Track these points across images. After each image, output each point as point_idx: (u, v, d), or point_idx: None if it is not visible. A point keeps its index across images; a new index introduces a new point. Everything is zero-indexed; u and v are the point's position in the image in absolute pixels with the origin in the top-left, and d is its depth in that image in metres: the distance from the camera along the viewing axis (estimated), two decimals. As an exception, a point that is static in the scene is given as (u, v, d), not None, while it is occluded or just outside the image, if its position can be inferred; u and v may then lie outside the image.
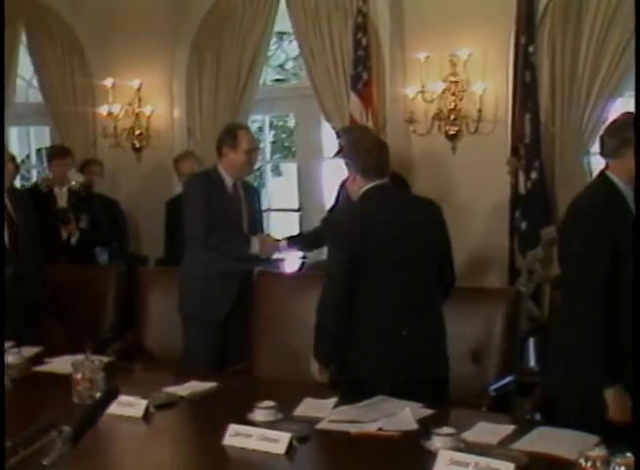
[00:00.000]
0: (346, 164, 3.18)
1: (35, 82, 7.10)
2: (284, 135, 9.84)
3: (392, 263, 3.00)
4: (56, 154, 5.79)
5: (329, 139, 5.97)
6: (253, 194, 4.40)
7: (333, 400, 2.81)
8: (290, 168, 7.80)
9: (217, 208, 4.14)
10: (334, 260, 3.07)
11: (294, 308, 3.82)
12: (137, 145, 6.45)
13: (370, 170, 3.07)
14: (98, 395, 2.67)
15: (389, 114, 5.51)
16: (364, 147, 3.15)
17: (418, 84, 5.36)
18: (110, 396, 2.04)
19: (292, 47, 6.76)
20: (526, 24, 4.89)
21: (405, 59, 5.44)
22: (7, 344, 3.62)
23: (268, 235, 4.38)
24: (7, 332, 3.63)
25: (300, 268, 5.29)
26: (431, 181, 5.39)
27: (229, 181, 4.21)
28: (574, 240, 2.77)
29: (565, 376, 2.79)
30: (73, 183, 5.56)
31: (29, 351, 3.59)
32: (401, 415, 2.62)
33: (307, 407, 2.77)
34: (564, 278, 2.90)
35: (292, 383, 3.39)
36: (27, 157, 7.46)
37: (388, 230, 3.02)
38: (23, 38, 6.91)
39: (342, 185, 4.28)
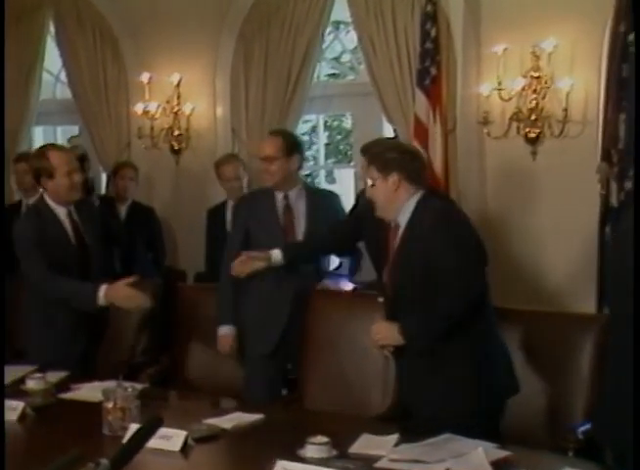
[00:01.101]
0: (388, 170, 3.30)
1: (64, 77, 7.25)
2: (339, 137, 9.87)
3: None
4: None
5: (391, 141, 5.97)
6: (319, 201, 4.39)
7: (394, 437, 2.82)
8: (345, 175, 7.81)
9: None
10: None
11: (349, 333, 3.86)
12: (176, 147, 6.54)
13: (420, 176, 3.34)
14: (131, 426, 2.72)
15: (460, 114, 5.51)
16: (409, 152, 3.37)
17: (494, 80, 5.34)
18: (152, 427, 2.08)
19: (349, 38, 6.78)
20: (628, 9, 4.73)
21: (480, 52, 5.43)
22: (29, 368, 3.72)
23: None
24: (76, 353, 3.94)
25: (355, 289, 5.30)
26: (507, 191, 5.36)
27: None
28: None
29: None
30: None
31: (54, 375, 3.67)
32: (472, 456, 2.60)
33: (365, 444, 2.78)
34: None
35: (346, 416, 3.42)
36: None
37: None
38: (51, 28, 7.07)
39: (361, 194, 4.38)
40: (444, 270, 3.15)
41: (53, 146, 4.36)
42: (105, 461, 1.73)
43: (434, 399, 3.21)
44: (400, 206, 3.31)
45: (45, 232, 4.02)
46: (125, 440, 2.13)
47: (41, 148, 4.29)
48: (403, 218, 3.31)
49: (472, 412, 3.14)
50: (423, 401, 3.25)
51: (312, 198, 4.36)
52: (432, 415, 3.14)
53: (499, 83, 5.32)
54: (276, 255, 3.98)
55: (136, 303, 3.90)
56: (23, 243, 4.00)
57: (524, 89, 5.26)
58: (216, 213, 5.82)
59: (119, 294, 3.87)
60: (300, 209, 4.32)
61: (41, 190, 4.16)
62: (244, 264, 4.01)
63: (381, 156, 3.36)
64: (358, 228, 3.69)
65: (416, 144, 5.16)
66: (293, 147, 4.31)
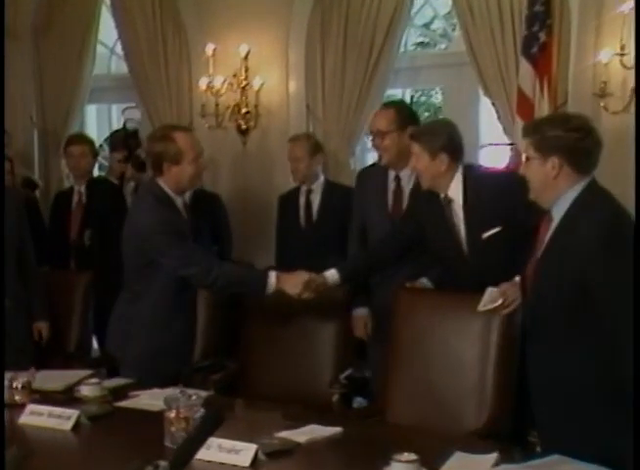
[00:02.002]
0: (547, 151, 3.17)
1: (119, 50, 7.35)
2: (427, 114, 9.83)
3: None
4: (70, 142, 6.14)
5: (488, 119, 5.92)
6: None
7: (492, 457, 2.80)
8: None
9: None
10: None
11: (439, 336, 3.84)
12: (243, 126, 6.57)
13: (588, 162, 3.17)
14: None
15: (573, 85, 5.37)
16: (580, 129, 3.17)
17: (615, 45, 5.18)
18: (211, 423, 2.10)
19: (441, 2, 6.72)
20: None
21: (601, 13, 5.28)
22: (84, 372, 3.81)
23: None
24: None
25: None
26: (624, 173, 5.21)
27: None
28: None
29: None
30: None
31: (112, 382, 3.76)
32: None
33: (459, 463, 2.77)
34: None
35: (436, 431, 3.40)
36: (106, 141, 7.72)
37: None
38: (106, -3, 7.18)
39: (412, 193, 4.52)
40: (603, 300, 3.04)
41: (175, 127, 4.43)
42: (164, 463, 1.76)
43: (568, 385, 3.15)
44: (557, 195, 3.18)
45: (172, 218, 4.11)
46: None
47: (163, 130, 4.37)
48: (558, 212, 3.19)
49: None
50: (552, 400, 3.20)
51: None
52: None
53: (621, 48, 5.14)
54: (332, 275, 4.18)
55: (308, 291, 4.08)
56: (161, 235, 4.03)
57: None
58: (289, 201, 5.82)
59: (291, 280, 4.06)
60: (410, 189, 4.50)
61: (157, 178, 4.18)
62: (307, 289, 4.13)
63: (540, 131, 3.23)
64: (419, 230, 4.13)
65: (519, 120, 5.12)
66: (407, 119, 4.48)
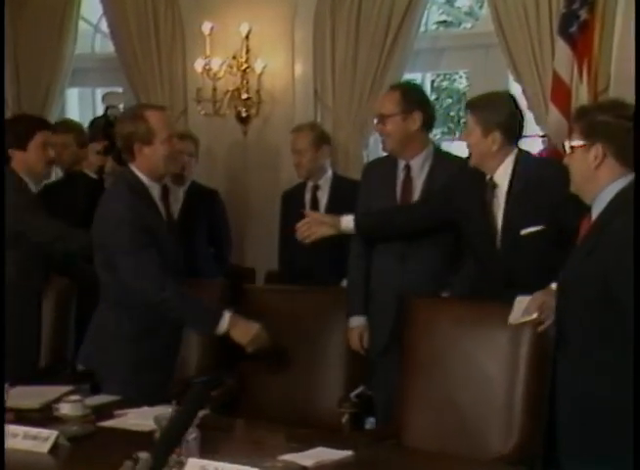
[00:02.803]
0: (590, 139, 3.16)
1: (105, 27, 7.38)
2: (450, 101, 9.80)
3: None
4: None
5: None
6: None
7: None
8: (456, 149, 7.75)
9: None
10: None
11: (462, 349, 3.84)
12: (243, 114, 6.58)
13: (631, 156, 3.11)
14: (190, 461, 2.75)
15: (616, 69, 5.34)
16: (632, 117, 3.13)
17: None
18: (196, 402, 2.09)
19: (466, -25, 6.75)
20: None
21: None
22: (64, 388, 3.82)
23: None
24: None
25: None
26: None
27: None
28: None
29: None
30: None
31: (95, 399, 3.75)
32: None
33: (484, 492, 2.77)
34: None
35: (458, 458, 3.41)
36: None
37: None
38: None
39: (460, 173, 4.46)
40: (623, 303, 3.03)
41: (147, 105, 4.58)
42: (145, 455, 1.75)
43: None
44: (598, 189, 3.17)
45: (143, 212, 4.16)
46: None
47: (133, 109, 4.53)
48: (597, 209, 3.19)
49: None
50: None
51: (441, 165, 4.48)
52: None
53: (675, 27, 5.10)
54: (347, 222, 4.31)
55: (258, 343, 4.18)
56: (124, 232, 4.08)
57: None
58: (293, 198, 5.82)
59: (243, 329, 4.13)
60: (423, 179, 4.50)
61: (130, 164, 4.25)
62: (310, 228, 4.30)
63: (589, 115, 3.23)
64: (453, 208, 4.18)
65: (553, 109, 5.12)
66: (413, 103, 4.49)
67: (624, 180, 3.13)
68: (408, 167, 4.60)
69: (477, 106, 4.15)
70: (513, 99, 4.26)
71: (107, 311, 4.25)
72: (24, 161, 4.93)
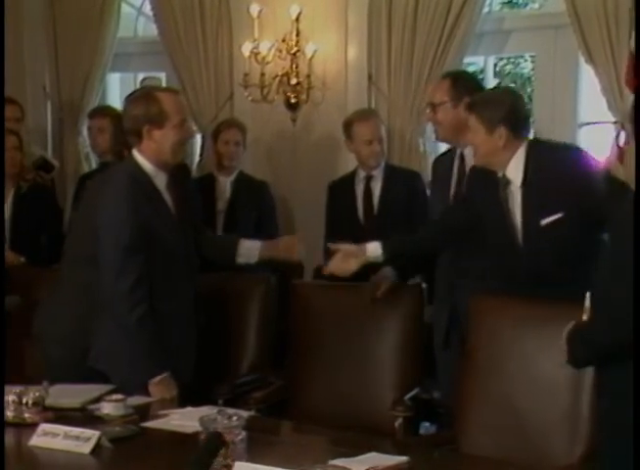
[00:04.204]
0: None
1: (148, 9, 7.42)
2: (514, 86, 9.78)
3: None
4: None
5: (589, 93, 5.89)
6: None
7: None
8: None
9: None
10: None
11: (525, 352, 3.82)
12: (293, 100, 6.56)
13: None
14: (237, 465, 2.77)
15: None
16: None
17: None
18: (212, 448, 2.14)
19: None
20: None
21: None
22: (104, 387, 3.86)
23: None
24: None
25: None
26: None
27: None
28: None
29: None
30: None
31: (138, 399, 3.80)
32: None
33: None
34: None
35: (520, 466, 3.41)
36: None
37: None
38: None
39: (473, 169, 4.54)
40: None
41: (159, 87, 4.57)
42: None
43: None
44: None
45: (147, 214, 4.14)
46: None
47: (144, 89, 4.52)
48: None
49: None
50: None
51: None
52: None
53: None
54: (374, 249, 4.34)
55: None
56: (119, 229, 4.09)
57: None
58: (342, 189, 5.81)
59: (167, 387, 4.06)
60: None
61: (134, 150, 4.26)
62: (344, 263, 4.36)
63: None
64: (472, 213, 4.25)
65: (627, 94, 5.08)
66: (464, 90, 4.59)
67: None
68: (462, 156, 4.67)
69: (476, 104, 4.21)
70: (513, 93, 4.40)
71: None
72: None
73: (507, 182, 4.15)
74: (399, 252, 4.44)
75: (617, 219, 3.18)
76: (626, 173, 5.01)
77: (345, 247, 4.41)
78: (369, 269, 4.54)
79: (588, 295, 3.40)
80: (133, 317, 4.05)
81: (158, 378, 4.03)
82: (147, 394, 4.01)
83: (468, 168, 4.63)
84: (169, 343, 4.13)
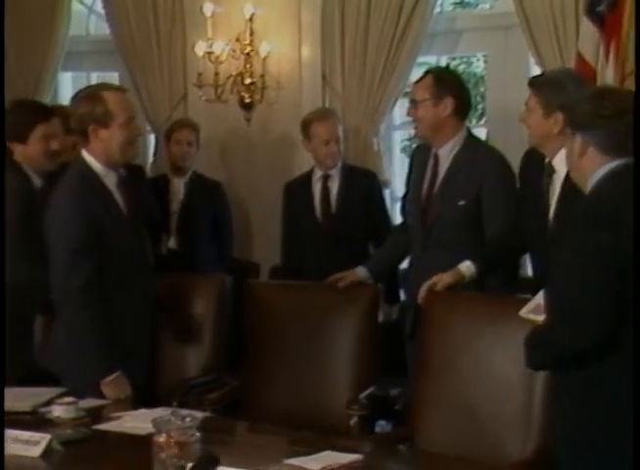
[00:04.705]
0: (573, 129, 3.25)
1: (100, 8, 7.38)
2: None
3: None
4: None
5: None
6: None
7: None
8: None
9: None
10: None
11: (478, 347, 3.85)
12: (247, 99, 6.56)
13: (614, 143, 3.17)
14: (190, 465, 2.77)
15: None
16: (612, 106, 3.19)
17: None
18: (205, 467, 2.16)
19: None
20: None
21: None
22: (56, 390, 3.84)
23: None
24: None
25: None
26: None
27: None
28: None
29: None
30: None
31: (90, 402, 3.77)
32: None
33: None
34: None
35: (474, 462, 3.42)
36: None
37: None
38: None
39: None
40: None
41: (105, 85, 4.46)
42: None
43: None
44: (586, 178, 3.24)
45: (96, 212, 4.13)
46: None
47: (89, 88, 4.44)
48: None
49: None
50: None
51: (466, 152, 4.50)
52: None
53: None
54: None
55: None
56: (68, 229, 4.09)
57: None
58: (299, 188, 5.82)
59: (120, 386, 4.07)
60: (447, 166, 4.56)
61: (82, 150, 4.24)
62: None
63: (570, 105, 3.33)
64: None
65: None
66: (446, 89, 4.55)
67: (606, 167, 3.18)
68: (436, 157, 4.65)
69: (539, 84, 4.16)
70: (580, 79, 4.28)
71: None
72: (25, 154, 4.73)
73: (552, 171, 4.11)
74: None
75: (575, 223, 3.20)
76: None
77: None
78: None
79: (541, 293, 3.43)
80: (84, 317, 4.05)
81: (110, 377, 4.03)
82: (101, 395, 4.00)
83: (440, 171, 4.61)
84: (123, 343, 4.12)
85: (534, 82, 4.18)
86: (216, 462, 2.26)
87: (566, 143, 3.59)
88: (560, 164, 3.97)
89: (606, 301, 2.99)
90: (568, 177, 3.79)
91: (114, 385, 4.03)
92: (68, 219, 4.08)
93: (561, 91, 4.04)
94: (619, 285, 2.99)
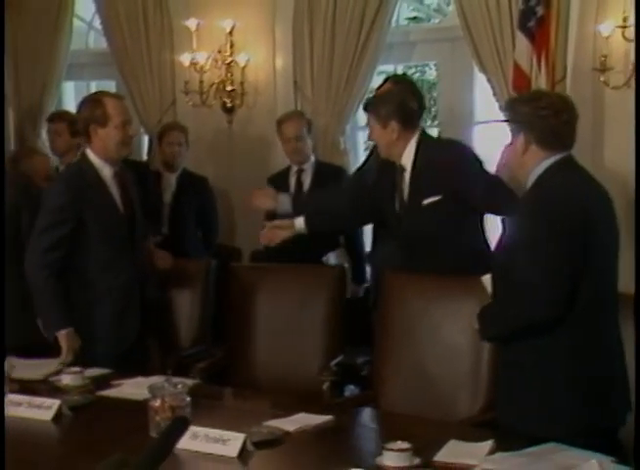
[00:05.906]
0: (516, 128, 3.28)
1: (98, 24, 7.36)
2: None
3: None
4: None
5: (483, 96, 5.95)
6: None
7: (487, 444, 2.84)
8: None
9: None
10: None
11: (432, 322, 3.87)
12: (228, 104, 6.59)
13: (554, 139, 3.21)
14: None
15: (572, 60, 5.38)
16: (548, 107, 3.23)
17: (618, 17, 5.18)
18: (175, 430, 2.17)
19: (434, -27, 6.76)
20: None
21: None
22: (60, 359, 3.86)
23: None
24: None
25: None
26: (624, 149, 5.17)
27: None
28: None
29: None
30: None
31: (94, 371, 3.79)
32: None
33: (453, 452, 2.81)
34: None
35: (430, 420, 3.44)
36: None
37: None
38: (83, -33, 7.20)
39: (372, 152, 4.81)
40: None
41: (106, 93, 4.56)
42: None
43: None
44: (527, 173, 3.25)
45: (87, 196, 4.19)
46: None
47: (93, 94, 4.56)
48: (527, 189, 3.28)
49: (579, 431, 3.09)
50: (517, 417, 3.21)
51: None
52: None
53: (624, 20, 5.14)
54: (299, 223, 4.47)
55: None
56: (46, 213, 4.20)
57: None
58: (278, 182, 5.80)
59: (72, 341, 4.10)
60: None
61: (85, 147, 4.30)
62: (272, 234, 4.52)
63: (513, 107, 3.35)
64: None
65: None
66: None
67: (549, 161, 3.20)
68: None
69: (369, 105, 4.36)
70: (402, 91, 4.53)
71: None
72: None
73: (403, 169, 4.26)
74: (318, 224, 4.54)
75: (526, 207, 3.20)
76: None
77: (277, 222, 4.58)
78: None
79: (487, 277, 3.42)
80: (40, 277, 4.14)
81: (64, 331, 4.08)
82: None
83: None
84: (113, 309, 4.22)
85: (365, 106, 4.41)
86: (186, 424, 2.28)
87: (407, 144, 4.17)
88: (406, 160, 4.24)
89: (557, 273, 3.02)
90: (413, 171, 4.22)
91: (67, 337, 4.08)
92: (54, 193, 4.25)
93: (388, 104, 4.24)
94: (570, 260, 3.03)
